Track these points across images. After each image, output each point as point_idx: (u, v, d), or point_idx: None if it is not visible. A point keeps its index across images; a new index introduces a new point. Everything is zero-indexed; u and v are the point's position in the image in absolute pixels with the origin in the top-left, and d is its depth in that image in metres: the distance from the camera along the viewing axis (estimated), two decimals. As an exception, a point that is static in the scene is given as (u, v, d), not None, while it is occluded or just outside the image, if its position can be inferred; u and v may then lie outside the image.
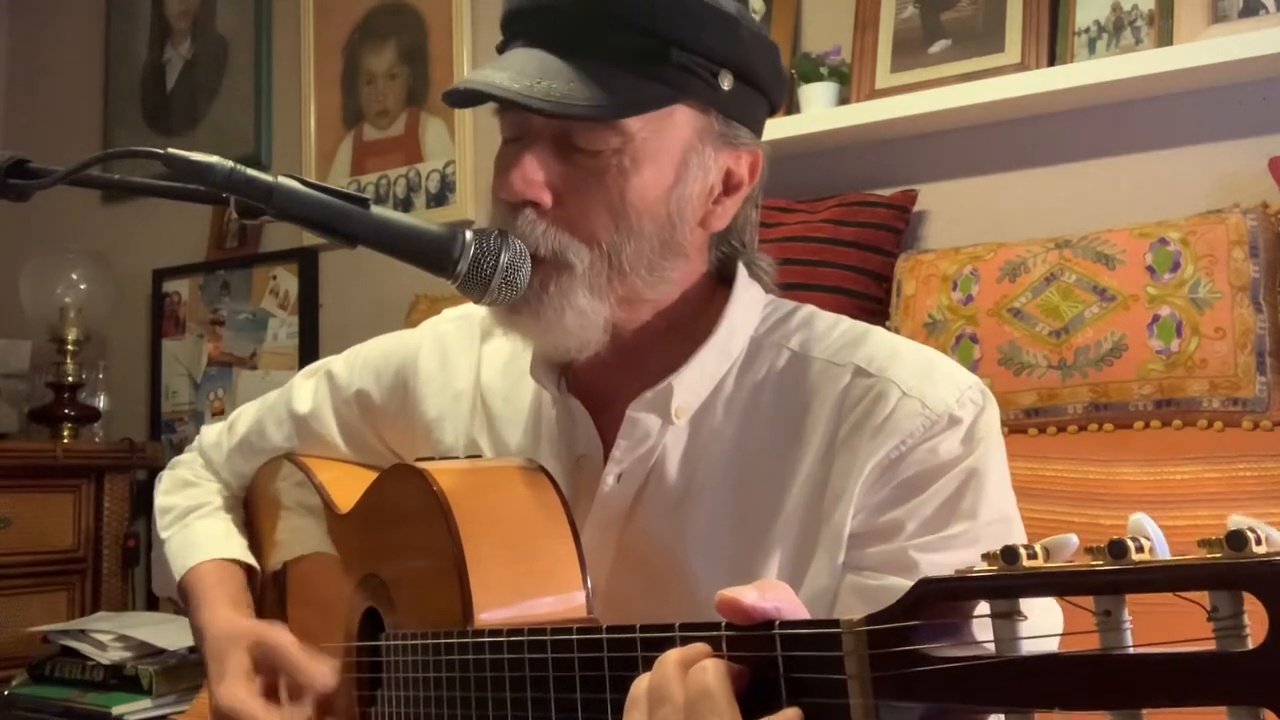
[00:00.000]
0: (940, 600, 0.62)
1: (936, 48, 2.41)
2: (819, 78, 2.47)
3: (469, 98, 1.06)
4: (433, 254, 1.05)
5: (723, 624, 0.76)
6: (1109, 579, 0.54)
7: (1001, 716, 0.59)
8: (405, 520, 1.15)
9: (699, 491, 1.13)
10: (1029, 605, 0.58)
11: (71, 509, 3.38)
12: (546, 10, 1.07)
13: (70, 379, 3.54)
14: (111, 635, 2.75)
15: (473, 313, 1.35)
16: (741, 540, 1.11)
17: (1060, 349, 1.97)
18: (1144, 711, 0.53)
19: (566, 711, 0.88)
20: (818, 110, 2.46)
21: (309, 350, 3.34)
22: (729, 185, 1.14)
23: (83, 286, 3.60)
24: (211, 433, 1.57)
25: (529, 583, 1.05)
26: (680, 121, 1.08)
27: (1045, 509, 1.81)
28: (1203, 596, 0.52)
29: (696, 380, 1.13)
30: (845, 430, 1.09)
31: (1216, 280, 1.88)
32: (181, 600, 1.42)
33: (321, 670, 1.21)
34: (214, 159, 1.00)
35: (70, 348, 3.55)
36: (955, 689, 0.60)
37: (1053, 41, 2.29)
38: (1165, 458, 1.85)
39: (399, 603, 1.15)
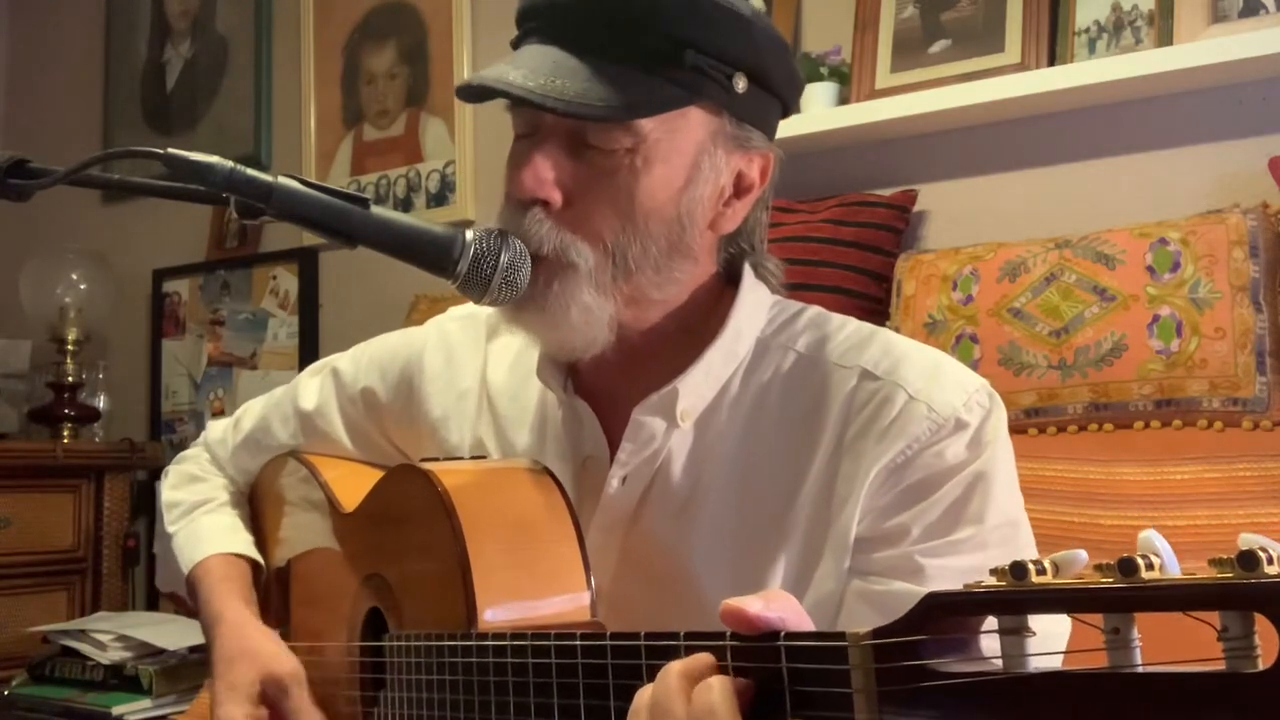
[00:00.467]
0: (947, 615, 0.62)
1: (936, 48, 2.41)
2: (819, 78, 2.47)
3: (483, 94, 1.06)
4: (433, 254, 1.05)
5: (727, 634, 0.76)
6: (1118, 597, 0.53)
7: None
8: (409, 521, 1.15)
9: (704, 494, 1.13)
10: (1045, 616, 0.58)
11: (71, 509, 3.38)
12: (561, 8, 1.07)
13: (70, 379, 3.54)
14: (111, 635, 2.75)
15: (478, 311, 1.34)
16: (747, 543, 1.11)
17: (1060, 349, 1.97)
18: (1152, 731, 0.53)
19: (569, 717, 0.88)
20: (818, 110, 2.45)
21: (309, 350, 3.34)
22: (740, 188, 1.14)
23: (83, 286, 3.60)
24: (217, 428, 1.57)
25: (533, 585, 1.05)
26: (693, 123, 1.08)
27: (1045, 509, 1.81)
28: (1213, 616, 0.52)
29: (702, 382, 1.13)
30: (852, 433, 1.08)
31: (1216, 280, 1.87)
32: (189, 594, 1.42)
33: None
34: (214, 159, 1.00)
35: (70, 348, 3.54)
36: (962, 705, 0.60)
37: (1053, 41, 2.28)
38: (1165, 458, 1.85)
39: (403, 603, 1.15)
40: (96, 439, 3.61)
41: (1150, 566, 0.53)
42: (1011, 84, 2.25)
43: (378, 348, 1.43)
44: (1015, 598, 0.57)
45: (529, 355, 1.24)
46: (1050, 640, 0.60)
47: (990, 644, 0.62)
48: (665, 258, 1.10)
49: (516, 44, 1.12)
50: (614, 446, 1.16)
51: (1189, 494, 1.78)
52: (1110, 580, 0.54)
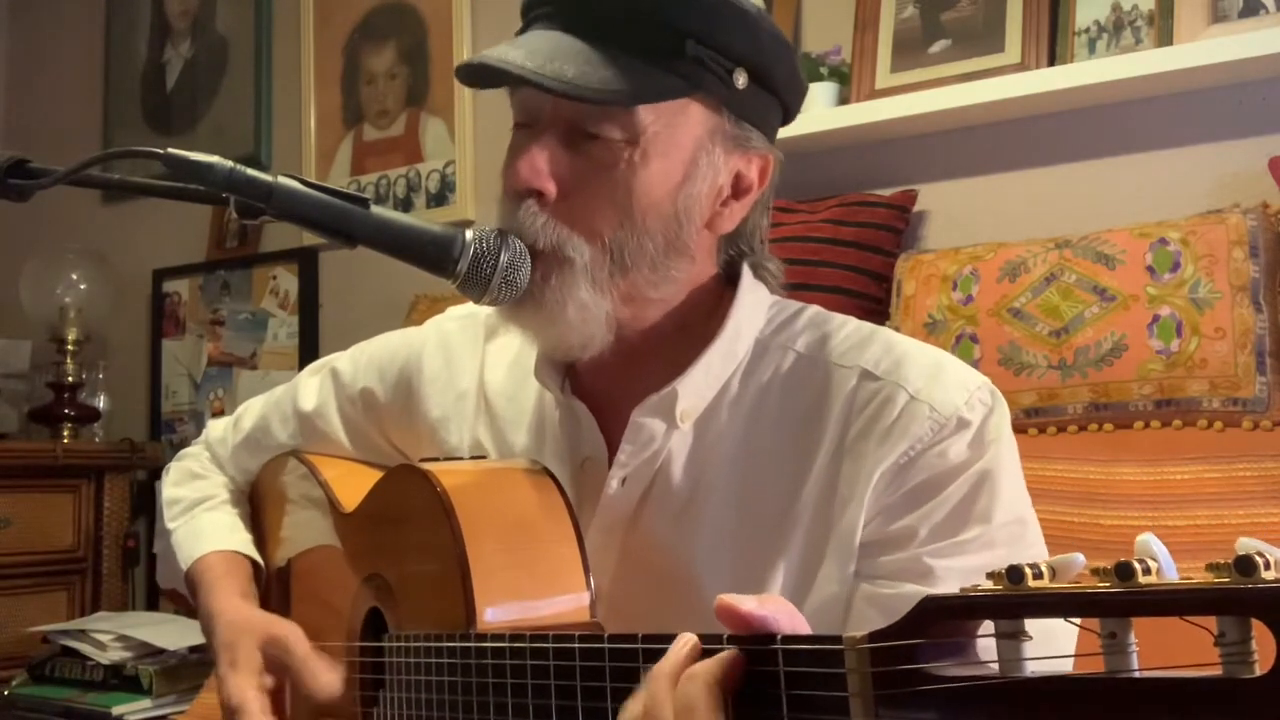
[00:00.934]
0: (944, 619, 0.62)
1: (936, 48, 2.41)
2: (819, 78, 2.47)
3: (482, 74, 1.06)
4: (433, 254, 1.05)
5: (724, 636, 0.76)
6: (1115, 601, 0.53)
7: None
8: (409, 521, 1.15)
9: (704, 495, 1.13)
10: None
11: (71, 509, 3.38)
12: None
13: (70, 379, 3.54)
14: (111, 635, 2.75)
15: (478, 311, 1.34)
16: (747, 545, 1.10)
17: (1060, 349, 1.97)
18: (1149, 736, 0.53)
19: (567, 718, 0.88)
20: (818, 110, 2.45)
21: (309, 350, 3.34)
22: (738, 189, 1.13)
23: (83, 286, 3.60)
24: (218, 427, 1.57)
25: (532, 585, 1.05)
26: (692, 118, 1.08)
27: (1045, 509, 1.78)
28: (1210, 621, 0.52)
29: (701, 383, 1.13)
30: (853, 434, 1.08)
31: (1216, 280, 1.87)
32: (189, 590, 1.42)
33: (330, 679, 1.20)
34: (214, 159, 1.00)
35: (70, 348, 3.55)
36: (958, 708, 0.60)
37: (1053, 41, 2.28)
38: (1165, 458, 1.85)
39: (402, 603, 1.15)
40: (96, 439, 3.61)
41: (1147, 571, 0.53)
42: (1011, 84, 2.25)
43: (377, 348, 1.43)
44: (1012, 602, 0.57)
45: (527, 356, 1.23)
46: (1054, 643, 0.60)
47: (987, 647, 0.62)
48: (662, 255, 1.09)
49: (522, 30, 1.11)
50: (612, 447, 1.15)
51: (1189, 494, 1.78)
52: (1107, 585, 0.54)
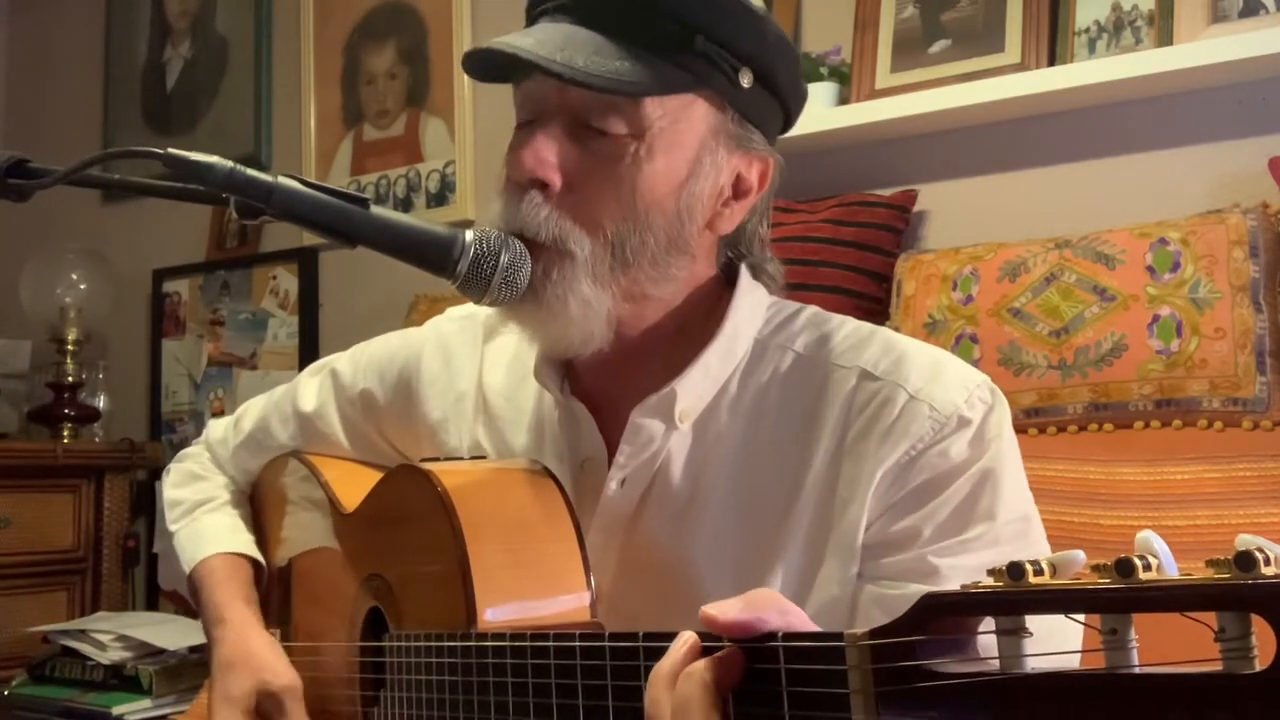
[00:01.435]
0: (945, 615, 0.62)
1: (936, 48, 2.41)
2: (819, 78, 2.47)
3: (489, 63, 1.06)
4: (433, 254, 1.05)
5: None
6: (1115, 597, 0.53)
7: None
8: (410, 521, 1.15)
9: (704, 496, 1.13)
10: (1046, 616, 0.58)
11: (71, 509, 3.38)
12: None
13: (70, 379, 3.54)
14: (111, 635, 2.75)
15: (477, 312, 1.34)
16: (747, 545, 1.10)
17: (1060, 349, 1.97)
18: (1149, 732, 0.53)
19: (568, 717, 0.88)
20: (818, 110, 2.45)
21: (309, 350, 3.34)
22: (738, 190, 1.13)
23: (83, 286, 3.60)
24: (219, 428, 1.57)
25: (533, 585, 1.05)
26: (697, 115, 1.08)
27: (1045, 509, 1.78)
28: (1210, 617, 0.52)
29: (700, 384, 1.12)
30: (853, 435, 1.08)
31: (1216, 280, 1.88)
32: (190, 594, 1.43)
33: None
34: (214, 159, 1.00)
35: (70, 348, 3.54)
36: (959, 705, 0.60)
37: (1053, 41, 2.29)
38: (1165, 458, 1.85)
39: (403, 603, 1.15)
40: (96, 439, 3.60)
41: (1148, 567, 0.53)
42: (1011, 84, 2.25)
43: (377, 349, 1.43)
44: (1012, 599, 0.57)
45: (526, 356, 1.23)
46: (1055, 640, 0.60)
47: (988, 644, 0.62)
48: (663, 252, 1.09)
49: (528, 25, 1.12)
50: (611, 448, 1.15)
51: (1189, 494, 1.78)
52: (1108, 581, 0.54)
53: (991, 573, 0.58)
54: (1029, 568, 0.55)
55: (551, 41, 1.03)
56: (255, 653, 1.30)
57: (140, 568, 3.48)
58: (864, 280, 2.26)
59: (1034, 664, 0.58)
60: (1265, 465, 1.77)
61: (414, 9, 3.28)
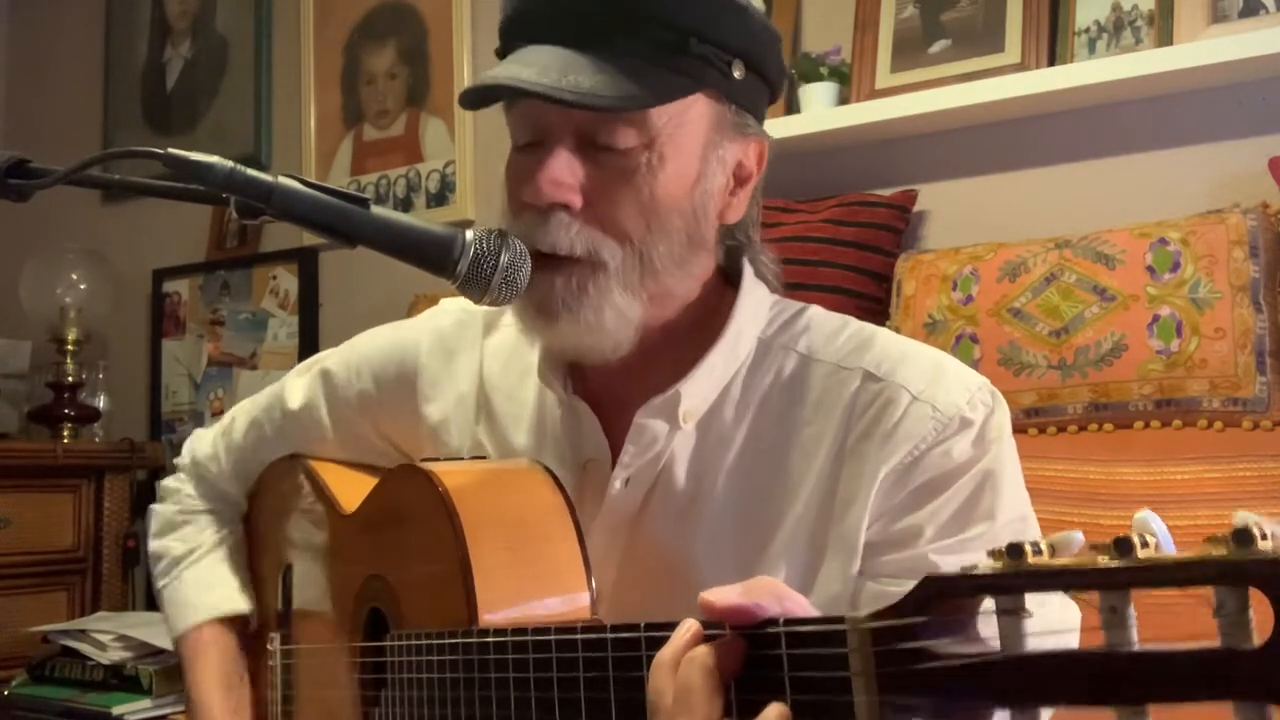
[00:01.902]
0: (945, 597, 0.62)
1: (936, 48, 2.41)
2: (819, 78, 2.47)
3: (489, 97, 1.05)
4: (433, 254, 1.05)
5: (725, 624, 0.76)
6: (1114, 575, 0.54)
7: (1007, 713, 0.59)
8: (410, 521, 1.15)
9: (707, 496, 1.13)
10: (1047, 599, 0.59)
11: (71, 509, 3.38)
12: (561, 5, 1.06)
13: (70, 379, 3.54)
14: (111, 635, 2.75)
15: (473, 305, 1.34)
16: (750, 545, 1.10)
17: (1060, 349, 1.97)
18: (1149, 708, 0.53)
19: (570, 710, 0.88)
20: (818, 110, 2.46)
21: (309, 350, 3.33)
22: (740, 177, 1.14)
23: (83, 286, 3.60)
24: (205, 443, 1.54)
25: (533, 585, 1.05)
26: (699, 114, 1.08)
27: (1045, 509, 1.79)
28: (1208, 593, 0.52)
29: (704, 384, 1.13)
30: (855, 436, 1.08)
31: (1216, 280, 1.88)
32: (179, 661, 1.45)
33: None
34: (214, 159, 1.00)
35: (70, 348, 3.54)
36: (960, 686, 0.60)
37: (1053, 41, 2.29)
38: (1165, 458, 1.85)
39: (404, 604, 1.15)
40: (96, 439, 3.60)
41: (1146, 545, 0.53)
42: (1011, 84, 2.26)
43: (370, 348, 1.40)
44: (1012, 578, 0.57)
45: (525, 353, 1.23)
46: (1055, 619, 0.60)
47: (989, 625, 0.62)
48: (686, 252, 1.10)
49: (504, 52, 1.10)
50: (614, 447, 1.15)
51: (1189, 494, 1.78)
52: (1106, 559, 0.54)
53: (991, 553, 0.58)
54: (1028, 548, 0.56)
55: (553, 68, 1.02)
56: None
57: (140, 568, 3.47)
58: (864, 280, 2.27)
59: (1034, 644, 0.58)
60: (1265, 465, 1.77)
61: (414, 9, 3.29)
